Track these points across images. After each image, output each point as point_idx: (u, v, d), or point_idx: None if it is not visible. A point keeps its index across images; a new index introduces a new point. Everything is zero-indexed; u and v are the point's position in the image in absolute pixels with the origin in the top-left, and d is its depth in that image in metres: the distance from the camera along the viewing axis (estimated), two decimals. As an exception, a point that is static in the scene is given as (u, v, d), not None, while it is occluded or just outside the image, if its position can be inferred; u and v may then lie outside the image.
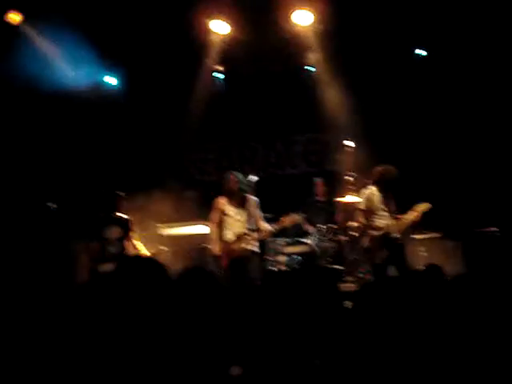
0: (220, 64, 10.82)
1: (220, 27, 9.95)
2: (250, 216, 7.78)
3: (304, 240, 9.59)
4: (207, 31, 9.98)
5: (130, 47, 10.11)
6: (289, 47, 10.23)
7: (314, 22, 9.80)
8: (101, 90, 10.75)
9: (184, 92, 10.87)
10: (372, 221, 7.70)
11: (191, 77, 10.76)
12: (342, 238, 9.74)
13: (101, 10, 9.14)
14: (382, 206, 7.74)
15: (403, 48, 10.36)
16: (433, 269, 3.90)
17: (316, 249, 9.40)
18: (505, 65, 9.76)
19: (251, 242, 7.69)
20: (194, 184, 11.48)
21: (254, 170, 11.07)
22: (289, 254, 9.45)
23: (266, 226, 7.78)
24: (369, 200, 7.72)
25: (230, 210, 7.78)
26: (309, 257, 9.38)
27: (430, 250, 8.87)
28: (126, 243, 7.95)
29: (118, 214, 7.97)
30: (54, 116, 10.09)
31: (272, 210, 9.75)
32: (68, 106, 10.09)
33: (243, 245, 7.63)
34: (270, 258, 9.44)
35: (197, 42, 10.11)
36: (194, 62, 10.59)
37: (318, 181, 10.25)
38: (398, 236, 7.68)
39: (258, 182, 9.18)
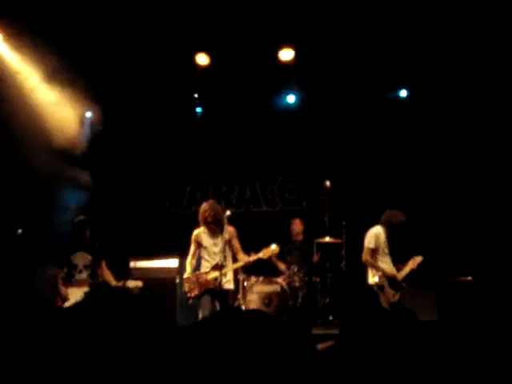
0: (200, 97, 10.70)
1: (202, 60, 9.86)
2: (226, 246, 7.62)
3: (275, 279, 9.38)
4: (190, 64, 9.88)
5: (110, 78, 9.99)
6: (269, 83, 10.16)
7: (295, 58, 9.74)
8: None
9: (163, 123, 10.76)
10: (377, 260, 7.69)
11: (171, 108, 10.65)
12: (317, 279, 9.59)
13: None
14: (386, 249, 7.74)
15: (384, 88, 10.34)
16: (405, 313, 3.74)
17: (287, 289, 9.18)
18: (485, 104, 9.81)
19: (227, 273, 7.56)
20: (169, 216, 11.31)
21: (229, 206, 11.00)
22: (259, 294, 9.20)
23: (243, 257, 7.64)
24: (377, 239, 7.68)
25: (206, 240, 7.66)
26: (279, 297, 9.15)
27: (405, 300, 8.73)
28: (97, 271, 7.83)
29: (89, 240, 7.90)
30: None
31: (246, 247, 9.59)
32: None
33: (216, 276, 7.45)
34: (239, 296, 9.21)
35: (178, 74, 10.00)
36: (175, 94, 10.48)
37: (296, 220, 10.11)
38: (404, 284, 7.73)
39: (231, 217, 9.03)
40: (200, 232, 7.74)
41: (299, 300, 9.29)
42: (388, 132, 10.52)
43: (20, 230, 9.39)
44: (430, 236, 10.00)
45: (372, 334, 3.01)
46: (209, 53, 9.77)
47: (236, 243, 7.69)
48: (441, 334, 3.54)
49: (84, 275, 7.76)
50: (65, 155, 9.71)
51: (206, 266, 7.64)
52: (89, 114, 10.64)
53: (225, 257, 7.56)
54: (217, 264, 7.51)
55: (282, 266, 9.69)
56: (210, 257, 7.64)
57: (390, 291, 7.65)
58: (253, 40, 9.21)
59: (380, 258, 7.70)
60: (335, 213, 9.53)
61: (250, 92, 10.37)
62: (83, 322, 2.71)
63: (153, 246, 10.16)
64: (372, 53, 9.42)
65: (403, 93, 10.54)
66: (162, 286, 9.06)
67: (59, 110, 9.60)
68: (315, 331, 8.14)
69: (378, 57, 9.49)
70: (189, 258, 7.79)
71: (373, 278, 7.67)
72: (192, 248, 7.76)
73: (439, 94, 10.07)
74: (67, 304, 7.34)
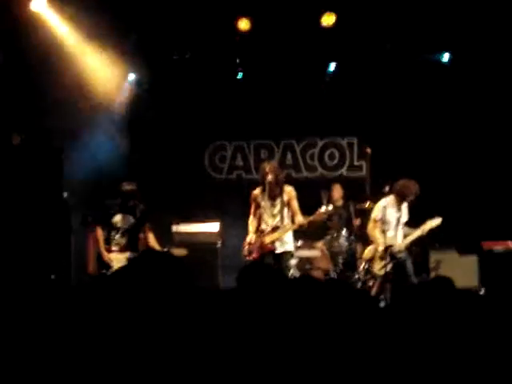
0: (240, 62, 10.68)
1: (243, 25, 9.83)
2: (285, 208, 7.58)
3: (316, 244, 9.46)
4: (231, 28, 9.87)
5: (151, 41, 10.05)
6: (311, 48, 10.07)
7: (337, 23, 9.65)
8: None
9: (203, 88, 10.77)
10: (380, 231, 7.82)
11: (211, 73, 10.66)
12: (357, 244, 9.63)
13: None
14: (393, 219, 7.84)
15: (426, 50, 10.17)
16: (440, 281, 3.75)
17: (327, 254, 9.27)
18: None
19: (284, 235, 7.55)
20: (209, 181, 11.40)
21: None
22: (300, 258, 9.30)
23: (299, 219, 7.56)
24: (383, 211, 7.80)
25: (265, 201, 7.61)
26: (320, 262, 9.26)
27: (445, 264, 8.72)
28: (140, 234, 7.82)
29: (134, 202, 7.76)
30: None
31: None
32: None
33: (274, 238, 7.49)
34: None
35: (219, 39, 10.00)
36: (215, 58, 10.48)
37: (335, 185, 10.12)
38: (401, 253, 7.80)
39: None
40: (258, 192, 7.68)
41: (340, 265, 9.37)
42: (429, 97, 10.38)
43: (65, 194, 9.63)
44: (471, 199, 9.95)
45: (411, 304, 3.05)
46: (250, 18, 9.74)
47: (294, 205, 7.60)
48: (480, 302, 3.55)
49: (124, 239, 7.67)
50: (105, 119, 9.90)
51: (264, 228, 7.64)
52: (131, 77, 10.74)
53: (283, 218, 7.55)
54: (276, 226, 7.54)
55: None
56: (269, 218, 7.63)
57: (376, 265, 7.78)
58: (294, 5, 9.13)
59: (385, 228, 7.80)
60: (376, 179, 9.51)
61: (291, 57, 10.29)
62: (130, 287, 2.80)
63: (194, 212, 10.27)
64: (415, 14, 9.24)
65: (445, 56, 10.33)
66: (204, 250, 9.21)
67: (101, 72, 9.72)
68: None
69: (422, 18, 9.31)
70: (250, 217, 7.76)
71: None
72: (252, 208, 7.74)
73: (482, 60, 9.86)
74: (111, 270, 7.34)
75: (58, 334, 2.78)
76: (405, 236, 7.91)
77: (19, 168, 9.22)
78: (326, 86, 10.66)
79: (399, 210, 7.85)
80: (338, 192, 10.08)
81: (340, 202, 10.05)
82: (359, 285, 9.13)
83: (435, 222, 7.82)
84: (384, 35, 9.87)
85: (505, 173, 10.01)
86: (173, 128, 11.01)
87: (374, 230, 7.95)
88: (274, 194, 7.55)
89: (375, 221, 7.89)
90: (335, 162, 11.32)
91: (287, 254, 7.65)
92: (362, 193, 9.55)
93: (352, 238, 9.58)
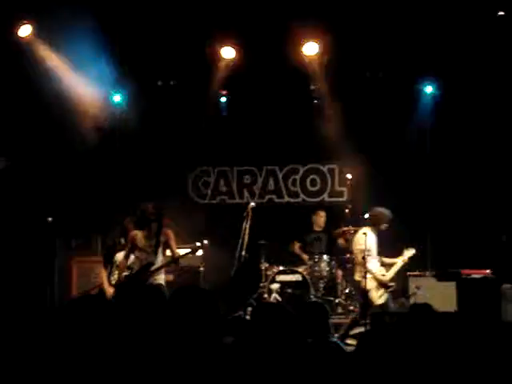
0: (224, 88, 10.85)
1: (228, 53, 10.03)
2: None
3: (297, 269, 9.56)
4: (216, 56, 10.05)
5: (138, 65, 10.20)
6: (294, 76, 10.28)
7: (320, 52, 9.85)
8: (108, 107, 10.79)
9: (187, 113, 10.89)
10: (366, 261, 7.90)
11: (195, 100, 10.79)
12: (338, 269, 9.75)
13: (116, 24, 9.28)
14: (374, 247, 8.02)
15: (408, 81, 10.39)
16: (421, 309, 3.90)
17: (309, 279, 9.37)
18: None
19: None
20: (192, 206, 11.45)
21: (252, 196, 11.16)
22: (281, 283, 9.39)
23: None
24: (367, 240, 7.91)
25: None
26: (301, 287, 9.35)
27: (424, 289, 8.87)
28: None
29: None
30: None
31: (268, 238, 9.77)
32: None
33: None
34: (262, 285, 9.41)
35: (203, 66, 10.17)
36: (200, 86, 10.63)
37: (320, 212, 10.27)
38: (392, 284, 8.01)
39: (255, 208, 9.23)
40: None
41: (321, 289, 9.48)
42: (410, 124, 10.54)
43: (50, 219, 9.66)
44: (450, 228, 10.12)
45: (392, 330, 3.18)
46: (235, 46, 9.95)
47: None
48: (458, 325, 3.69)
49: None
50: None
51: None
52: (116, 98, 10.88)
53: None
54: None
55: (304, 257, 9.89)
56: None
57: (375, 294, 7.93)
58: (279, 33, 9.32)
59: (369, 259, 7.93)
60: (356, 204, 9.65)
61: (275, 85, 10.48)
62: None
63: (177, 235, 10.30)
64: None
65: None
66: (187, 272, 9.27)
67: (86, 93, 9.84)
68: (335, 320, 8.36)
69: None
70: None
71: (358, 275, 8.06)
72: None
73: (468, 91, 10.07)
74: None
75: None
76: (382, 265, 8.09)
77: (4, 192, 9.29)
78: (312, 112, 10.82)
79: (376, 237, 8.08)
80: (321, 218, 10.22)
81: (322, 228, 10.20)
82: (339, 309, 9.25)
83: (410, 252, 8.10)
84: (372, 63, 10.11)
85: (484, 203, 10.17)
86: (157, 152, 11.09)
87: (363, 260, 7.98)
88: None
89: (362, 251, 7.98)
90: (317, 187, 11.48)
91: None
92: (343, 218, 9.68)
93: (333, 263, 9.71)
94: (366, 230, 8.00)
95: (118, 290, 7.29)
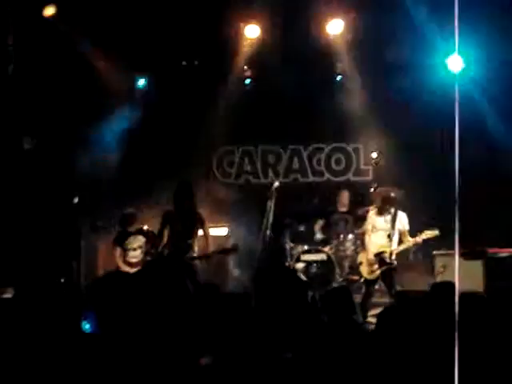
0: (249, 68, 10.81)
1: (252, 31, 9.97)
2: None
3: (322, 248, 9.56)
4: (239, 35, 10.01)
5: (160, 49, 10.19)
6: (318, 55, 10.19)
7: (344, 30, 9.76)
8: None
9: (212, 95, 10.88)
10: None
11: (219, 80, 10.77)
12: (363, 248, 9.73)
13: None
14: (381, 227, 8.14)
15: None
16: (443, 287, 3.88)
17: (334, 258, 9.36)
18: None
19: None
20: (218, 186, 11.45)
21: (276, 176, 11.14)
22: (306, 262, 9.40)
23: None
24: (369, 219, 8.29)
25: None
26: (326, 266, 9.35)
27: (451, 268, 8.78)
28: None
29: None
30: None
31: (293, 217, 9.77)
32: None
33: None
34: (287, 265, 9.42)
35: (227, 46, 10.14)
36: (224, 65, 10.61)
37: (343, 191, 10.23)
38: (391, 259, 8.03)
39: (279, 187, 9.19)
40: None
41: (346, 269, 9.48)
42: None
43: (76, 199, 9.76)
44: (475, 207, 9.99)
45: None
46: (259, 24, 9.90)
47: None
48: (484, 304, 3.64)
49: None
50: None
51: None
52: (141, 83, 10.92)
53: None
54: None
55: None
56: None
57: (365, 269, 8.12)
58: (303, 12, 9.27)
59: (374, 235, 8.17)
60: (381, 184, 9.57)
61: (299, 64, 10.41)
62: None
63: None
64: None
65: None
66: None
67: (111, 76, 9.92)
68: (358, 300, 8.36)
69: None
70: None
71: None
72: None
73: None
74: None
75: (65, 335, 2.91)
76: (400, 243, 8.12)
77: (30, 172, 9.38)
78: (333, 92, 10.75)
79: (388, 216, 8.12)
80: (344, 198, 10.17)
81: (346, 208, 10.15)
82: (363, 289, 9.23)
83: (432, 233, 8.04)
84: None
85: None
86: (182, 133, 11.10)
87: (365, 237, 8.39)
88: None
89: (367, 229, 8.29)
90: (342, 166, 11.42)
91: None
92: (368, 198, 9.62)
93: (358, 242, 9.67)
94: (372, 210, 8.29)
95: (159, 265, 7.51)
